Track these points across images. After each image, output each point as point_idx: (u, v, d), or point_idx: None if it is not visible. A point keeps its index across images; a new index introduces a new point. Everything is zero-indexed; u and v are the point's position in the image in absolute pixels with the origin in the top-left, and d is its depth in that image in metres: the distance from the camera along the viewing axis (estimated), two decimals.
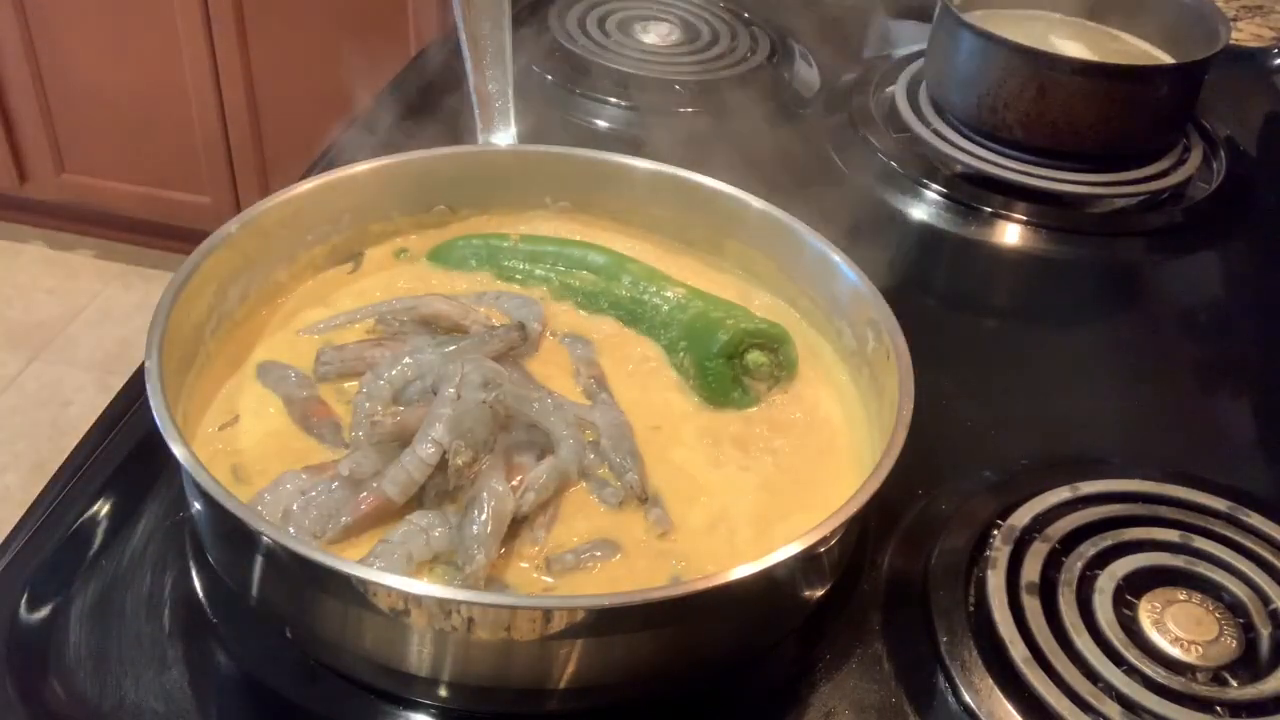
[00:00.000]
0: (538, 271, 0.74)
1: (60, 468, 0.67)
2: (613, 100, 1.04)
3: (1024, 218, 0.95)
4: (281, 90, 2.10)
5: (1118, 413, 0.79)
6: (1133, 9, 1.09)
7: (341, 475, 0.57)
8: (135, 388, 0.69)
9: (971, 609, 0.60)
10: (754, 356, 0.68)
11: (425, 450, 0.56)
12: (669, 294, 0.72)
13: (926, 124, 1.04)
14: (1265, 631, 0.59)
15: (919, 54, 1.12)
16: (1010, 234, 0.95)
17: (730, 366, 0.67)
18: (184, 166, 2.24)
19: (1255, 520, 0.65)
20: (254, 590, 0.54)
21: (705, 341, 0.67)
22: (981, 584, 0.61)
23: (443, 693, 0.53)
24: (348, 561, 0.48)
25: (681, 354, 0.69)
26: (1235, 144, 1.08)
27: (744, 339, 0.67)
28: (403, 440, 0.57)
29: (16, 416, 2.10)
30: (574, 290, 0.73)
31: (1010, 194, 0.97)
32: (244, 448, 0.61)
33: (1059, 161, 0.99)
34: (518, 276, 0.74)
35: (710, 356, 0.67)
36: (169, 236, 2.39)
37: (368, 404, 0.61)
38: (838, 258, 0.68)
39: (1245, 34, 1.30)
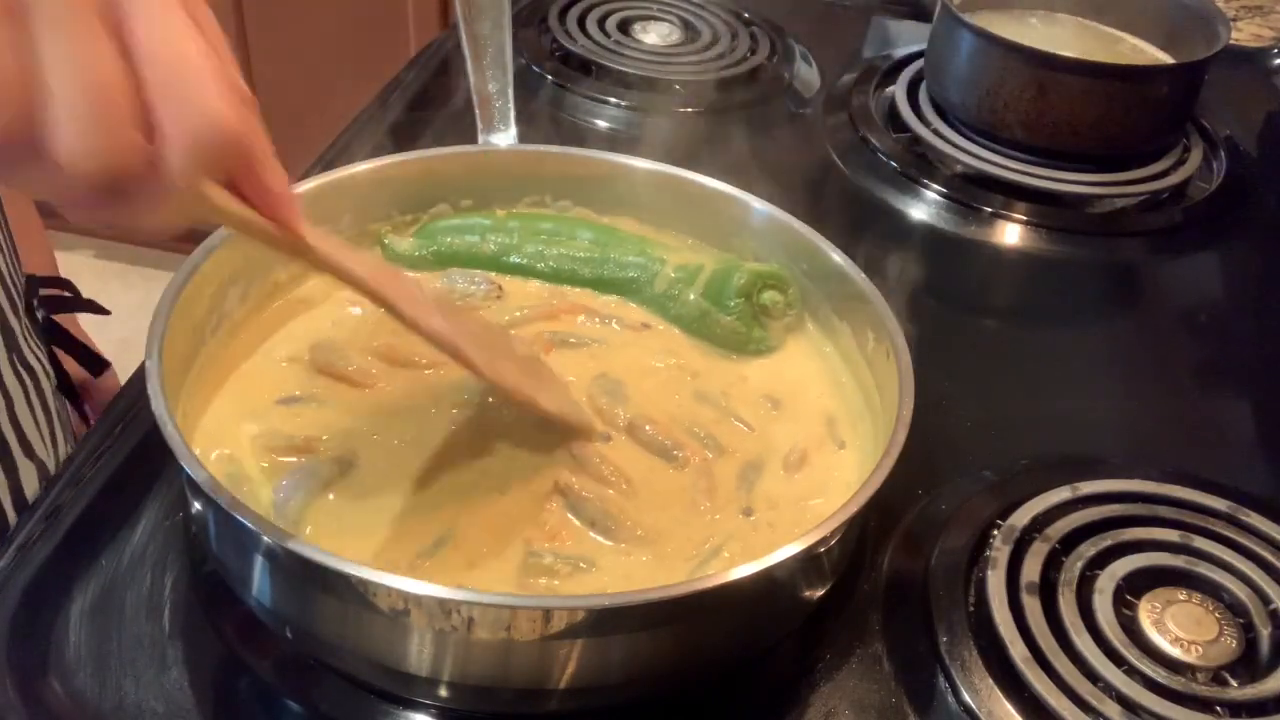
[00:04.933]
0: (528, 247, 0.75)
1: (60, 467, 0.67)
2: (613, 100, 1.04)
3: (1024, 218, 0.95)
4: (281, 90, 2.10)
5: (1118, 413, 0.79)
6: (1132, 9, 1.09)
7: None
8: (135, 388, 0.70)
9: (971, 609, 0.60)
10: (770, 295, 0.70)
11: None
12: (664, 257, 0.74)
13: (926, 124, 1.04)
14: (1265, 631, 0.59)
15: (919, 54, 1.12)
16: (1010, 234, 0.95)
17: (750, 306, 0.70)
18: None
19: (1255, 520, 0.65)
20: (254, 590, 0.54)
21: (721, 287, 0.70)
22: (981, 584, 0.61)
23: (443, 693, 0.53)
24: (348, 561, 0.48)
25: (694, 309, 0.71)
26: (1235, 144, 1.08)
27: (758, 279, 0.70)
28: None
29: None
30: (576, 261, 0.74)
31: (1010, 194, 0.97)
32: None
33: (1059, 161, 0.99)
34: (513, 258, 0.74)
35: (730, 296, 0.69)
36: (169, 236, 2.38)
37: None
38: (838, 257, 0.69)
39: (1245, 34, 1.30)
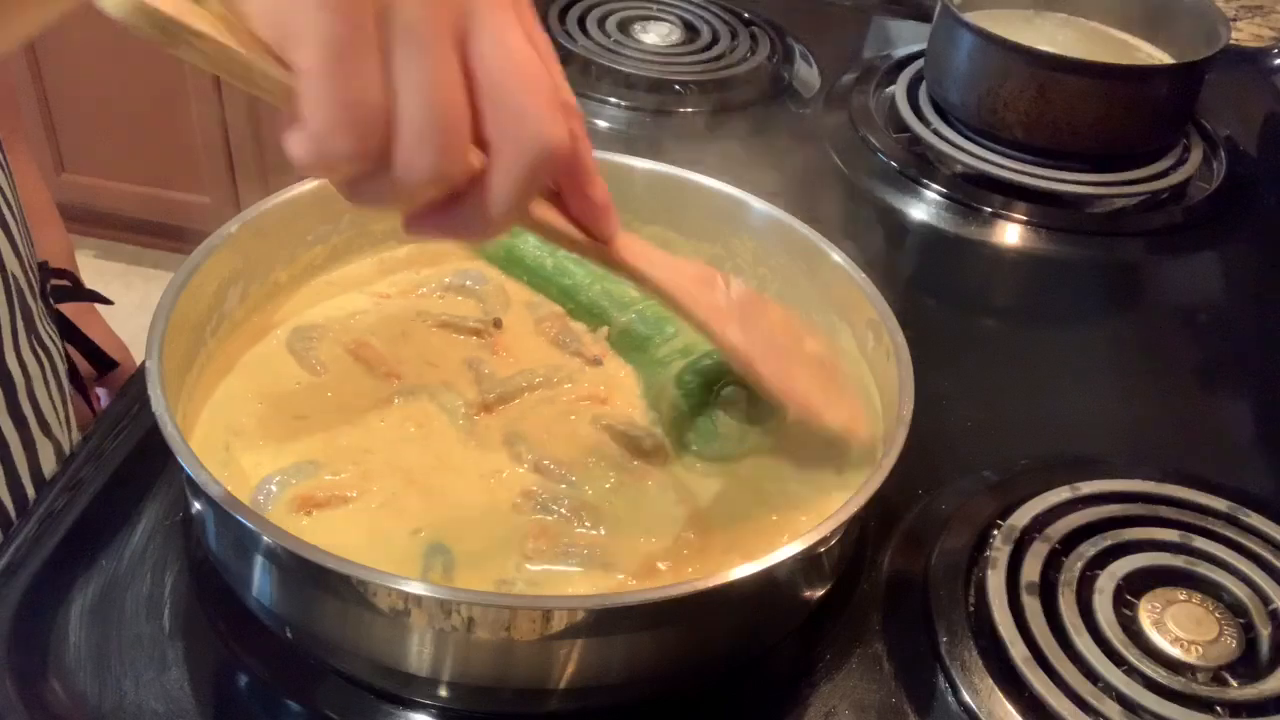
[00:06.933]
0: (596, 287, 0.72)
1: (60, 467, 0.67)
2: (613, 100, 1.04)
3: (1024, 218, 0.95)
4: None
5: (1118, 413, 0.79)
6: (1132, 9, 1.09)
7: None
8: (135, 388, 0.70)
9: (971, 609, 0.60)
10: (729, 391, 0.64)
11: None
12: (670, 330, 0.69)
13: (926, 124, 1.04)
14: (1265, 631, 0.59)
15: (919, 54, 1.12)
16: (1010, 234, 0.95)
17: (703, 390, 0.63)
18: (184, 166, 2.24)
19: (1255, 520, 0.65)
20: (254, 590, 0.54)
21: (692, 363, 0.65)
22: (981, 584, 0.61)
23: (443, 693, 0.53)
24: (348, 561, 0.48)
25: (664, 385, 0.65)
26: (1235, 144, 1.08)
27: (728, 371, 0.63)
28: None
29: None
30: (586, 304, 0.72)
31: (1010, 194, 0.97)
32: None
33: (1059, 161, 0.99)
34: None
35: (690, 371, 0.64)
36: (169, 236, 2.39)
37: None
38: (838, 258, 0.68)
39: (1245, 34, 1.30)
